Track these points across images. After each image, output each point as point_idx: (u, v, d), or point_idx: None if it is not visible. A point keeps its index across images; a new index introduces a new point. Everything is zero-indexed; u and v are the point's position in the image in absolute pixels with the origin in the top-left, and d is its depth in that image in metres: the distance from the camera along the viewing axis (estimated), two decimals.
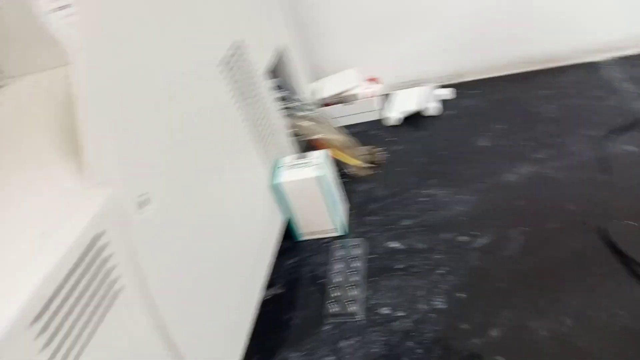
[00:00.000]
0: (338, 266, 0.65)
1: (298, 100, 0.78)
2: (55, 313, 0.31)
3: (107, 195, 0.37)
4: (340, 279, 0.64)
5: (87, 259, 0.34)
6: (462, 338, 0.53)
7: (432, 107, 0.88)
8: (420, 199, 0.72)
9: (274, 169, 0.67)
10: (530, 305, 0.54)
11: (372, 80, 0.95)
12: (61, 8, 0.35)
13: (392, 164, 0.81)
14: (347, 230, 0.71)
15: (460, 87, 0.93)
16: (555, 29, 0.88)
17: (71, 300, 0.32)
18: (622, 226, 0.58)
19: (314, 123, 0.78)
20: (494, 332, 0.52)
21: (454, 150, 0.80)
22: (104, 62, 0.38)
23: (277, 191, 0.66)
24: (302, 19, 0.91)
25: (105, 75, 0.38)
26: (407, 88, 0.94)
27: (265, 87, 0.68)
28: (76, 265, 0.33)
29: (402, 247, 0.66)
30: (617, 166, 0.66)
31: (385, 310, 0.59)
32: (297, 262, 0.69)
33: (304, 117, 0.78)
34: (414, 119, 0.89)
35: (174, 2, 0.50)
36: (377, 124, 0.91)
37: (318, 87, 0.93)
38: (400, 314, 0.58)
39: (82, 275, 0.34)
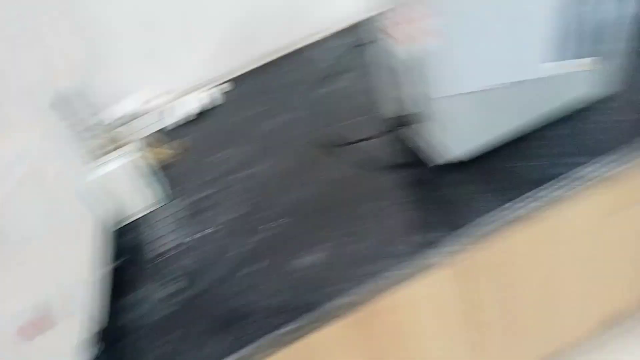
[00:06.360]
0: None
1: (97, 124, 0.99)
2: None
3: None
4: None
5: None
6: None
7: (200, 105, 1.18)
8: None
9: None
10: None
11: (151, 98, 1.20)
12: None
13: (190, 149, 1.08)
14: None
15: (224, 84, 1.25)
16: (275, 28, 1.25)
17: None
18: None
19: (116, 137, 1.00)
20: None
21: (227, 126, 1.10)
22: None
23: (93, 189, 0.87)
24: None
25: None
26: (182, 96, 1.21)
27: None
28: None
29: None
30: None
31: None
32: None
33: (107, 134, 0.99)
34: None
35: None
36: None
37: (111, 112, 1.14)
38: None
39: None
